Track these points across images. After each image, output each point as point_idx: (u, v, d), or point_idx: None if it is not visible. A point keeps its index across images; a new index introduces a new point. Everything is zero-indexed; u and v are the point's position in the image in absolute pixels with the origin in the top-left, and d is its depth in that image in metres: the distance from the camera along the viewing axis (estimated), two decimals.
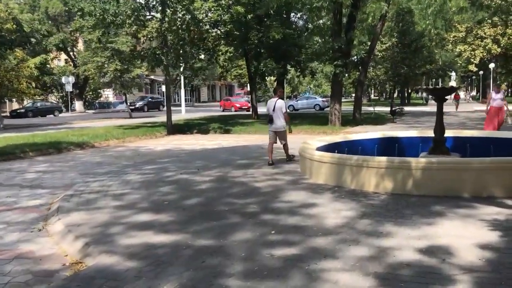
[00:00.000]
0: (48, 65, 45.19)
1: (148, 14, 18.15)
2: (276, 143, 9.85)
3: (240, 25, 24.25)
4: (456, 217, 5.16)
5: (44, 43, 27.02)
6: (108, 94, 53.87)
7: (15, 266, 4.32)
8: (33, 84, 25.92)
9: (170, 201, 6.31)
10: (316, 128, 18.49)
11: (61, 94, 48.74)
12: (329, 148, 9.21)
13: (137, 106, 42.63)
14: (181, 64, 24.16)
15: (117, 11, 16.87)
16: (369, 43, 24.29)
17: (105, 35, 18.03)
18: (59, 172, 9.57)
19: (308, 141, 9.17)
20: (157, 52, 18.16)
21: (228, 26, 24.06)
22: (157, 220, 5.38)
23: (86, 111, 45.63)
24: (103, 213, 5.75)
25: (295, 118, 25.23)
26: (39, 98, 47.50)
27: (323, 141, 9.61)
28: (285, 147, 9.90)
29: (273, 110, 9.59)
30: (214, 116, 29.08)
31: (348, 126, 19.37)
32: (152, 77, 58.46)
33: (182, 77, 36.40)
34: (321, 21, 25.65)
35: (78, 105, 45.14)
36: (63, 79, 40.73)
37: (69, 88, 40.86)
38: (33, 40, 20.61)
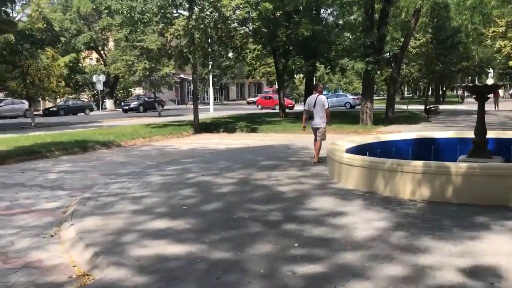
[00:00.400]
0: (80, 64, 46.10)
1: (175, 11, 17.96)
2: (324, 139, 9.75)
3: (268, 22, 23.83)
4: (503, 231, 4.60)
5: (73, 41, 27.36)
6: (139, 93, 54.47)
7: (21, 276, 4.05)
8: (63, 83, 26.26)
9: (189, 206, 5.96)
10: (346, 127, 17.88)
11: (93, 93, 49.56)
12: (360, 149, 8.69)
13: (131, 106, 39.92)
14: (209, 63, 24.00)
15: (143, 9, 16.74)
16: (401, 39, 23.46)
17: (132, 33, 17.89)
18: (81, 173, 9.41)
19: (337, 142, 8.67)
20: (184, 50, 17.95)
21: (256, 24, 23.70)
22: (173, 227, 5.04)
23: (117, 109, 46.18)
24: (118, 218, 5.46)
25: None
26: (71, 96, 48.64)
27: (353, 142, 9.08)
28: (318, 145, 9.55)
29: (314, 106, 9.44)
30: (242, 115, 28.75)
31: (380, 125, 18.67)
32: (182, 75, 58.76)
33: (210, 76, 36.28)
34: (351, 17, 24.98)
35: (108, 103, 45.73)
36: (94, 78, 41.28)
37: (99, 86, 41.37)
38: (63, 39, 20.76)
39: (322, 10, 27.37)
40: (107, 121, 27.25)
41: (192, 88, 53.93)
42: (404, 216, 5.20)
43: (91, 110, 40.73)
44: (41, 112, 37.75)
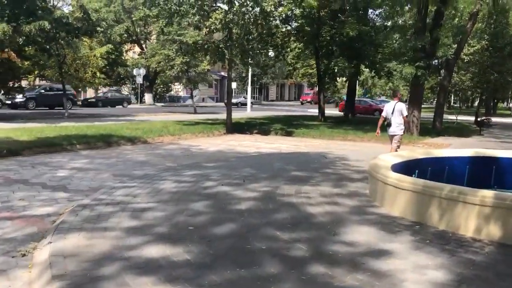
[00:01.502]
0: (122, 57, 46.31)
1: (214, 4, 17.03)
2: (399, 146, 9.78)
3: (312, 21, 22.61)
4: None
5: (109, 32, 27.18)
6: (179, 88, 54.33)
7: None
8: (98, 74, 25.97)
9: (196, 227, 4.92)
10: None
11: (134, 86, 49.73)
12: (407, 166, 7.42)
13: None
14: (250, 62, 23.03)
15: (181, 0, 15.93)
16: (453, 46, 21.69)
17: (168, 25, 17.13)
18: (94, 171, 8.58)
19: (380, 156, 7.42)
20: (220, 46, 17.02)
21: (299, 21, 22.53)
22: (169, 257, 4.00)
23: (155, 103, 46.07)
24: (107, 238, 4.48)
25: (366, 123, 23.17)
26: (113, 88, 49.02)
27: (400, 156, 7.80)
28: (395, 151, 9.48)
29: (392, 113, 9.45)
30: (279, 116, 27.64)
31: (427, 136, 17.09)
32: (222, 73, 58.26)
33: (249, 74, 35.35)
34: (401, 20, 23.38)
35: (147, 97, 45.66)
36: (134, 71, 41.27)
37: (139, 80, 41.32)
38: (99, 29, 20.37)
39: (370, 11, 25.90)
40: (141, 115, 26.76)
41: (233, 87, 53.58)
42: (469, 266, 3.95)
43: (129, 103, 40.72)
44: (80, 103, 38.01)
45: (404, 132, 9.79)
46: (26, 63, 29.54)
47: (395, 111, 9.45)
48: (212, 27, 15.56)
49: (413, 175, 7.12)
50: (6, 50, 16.11)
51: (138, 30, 43.05)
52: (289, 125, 19.91)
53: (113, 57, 43.72)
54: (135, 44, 45.12)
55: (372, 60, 23.72)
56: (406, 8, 20.07)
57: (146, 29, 41.28)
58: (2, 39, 15.70)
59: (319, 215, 5.52)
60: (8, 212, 5.64)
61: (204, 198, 6.27)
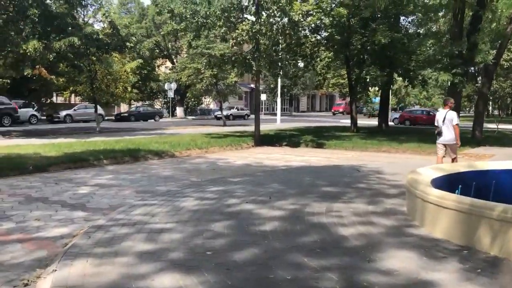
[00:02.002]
0: (154, 72, 46.99)
1: (240, 16, 16.78)
2: (445, 156, 9.67)
3: (342, 29, 22.06)
4: None
5: (137, 47, 27.56)
6: (210, 101, 54.58)
7: None
8: (129, 89, 26.18)
9: (215, 251, 4.48)
10: (426, 147, 15.61)
11: (165, 100, 50.31)
12: (449, 180, 6.79)
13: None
14: (278, 72, 22.67)
15: (208, 13, 15.75)
16: (491, 51, 20.55)
17: (196, 39, 16.99)
18: (117, 188, 8.31)
19: (418, 170, 6.80)
20: (248, 57, 16.72)
21: (329, 30, 22.04)
22: None
23: (187, 117, 46.36)
24: (116, 265, 4.09)
25: (400, 133, 22.31)
26: (146, 103, 49.74)
27: (440, 170, 7.15)
28: (454, 162, 9.40)
29: (443, 121, 9.36)
30: (309, 128, 27.06)
31: (467, 147, 16.11)
32: (252, 85, 58.20)
33: (279, 85, 34.98)
34: (434, 27, 22.54)
35: (179, 111, 46.01)
36: (166, 86, 41.68)
37: (171, 94, 41.69)
38: (129, 44, 20.51)
39: (402, 18, 25.11)
40: (171, 129, 26.77)
41: (262, 98, 53.37)
42: None
43: (161, 117, 41.09)
44: (113, 117, 38.63)
45: (456, 141, 9.50)
46: (61, 79, 30.35)
47: (446, 120, 9.34)
48: (238, 39, 15.27)
49: (456, 191, 6.49)
50: (38, 66, 16.24)
51: (169, 45, 43.61)
52: (320, 137, 19.34)
53: (145, 72, 44.48)
54: (167, 59, 45.67)
55: (405, 68, 22.92)
56: (441, 14, 19.26)
57: (177, 44, 41.69)
58: (33, 56, 15.88)
59: (352, 238, 4.98)
60: (20, 234, 5.37)
61: (226, 217, 5.84)
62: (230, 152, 15.44)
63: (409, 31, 23.68)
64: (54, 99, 45.35)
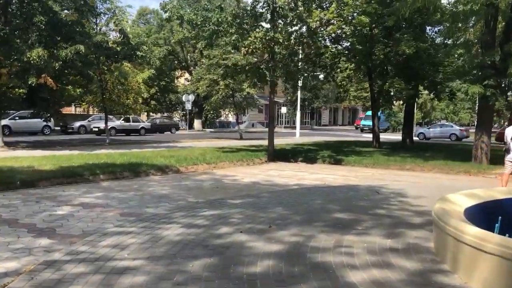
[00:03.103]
0: (173, 84, 46.62)
1: (255, 23, 15.84)
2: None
3: (364, 39, 20.91)
4: None
5: (148, 56, 27.10)
6: (228, 114, 53.87)
7: None
8: (140, 100, 25.56)
9: None
10: (454, 166, 14.27)
11: (184, 112, 49.85)
12: (486, 210, 5.61)
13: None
14: (296, 84, 21.66)
15: (219, 20, 14.89)
16: None
17: (208, 47, 16.16)
18: (101, 209, 7.36)
19: (449, 196, 5.63)
20: (261, 67, 15.76)
21: (350, 39, 20.94)
22: None
23: (204, 129, 45.67)
24: None
25: (426, 149, 20.91)
26: (164, 115, 49.33)
27: (474, 196, 5.94)
28: (507, 177, 9.10)
29: (511, 139, 8.99)
30: (330, 142, 25.85)
31: (499, 165, 14.63)
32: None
33: (299, 98, 33.94)
34: (463, 38, 21.20)
35: (196, 123, 45.36)
36: (184, 97, 41.10)
37: (188, 106, 41.07)
38: (139, 53, 19.88)
39: (428, 28, 23.82)
40: (185, 141, 25.96)
41: (282, 111, 52.40)
42: None
43: (177, 129, 40.50)
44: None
45: None
46: (78, 90, 30.03)
47: None
48: (251, 47, 14.32)
49: (496, 225, 5.30)
50: (44, 75, 15.64)
51: (188, 56, 43.19)
52: (339, 152, 18.11)
53: (164, 83, 44.10)
54: (185, 71, 45.24)
55: (431, 80, 21.57)
56: (471, 22, 17.92)
57: (196, 55, 41.21)
58: (38, 64, 15.28)
59: (362, 287, 3.85)
60: None
61: (211, 253, 4.78)
62: (241, 168, 14.41)
63: (436, 42, 22.37)
64: (72, 109, 45.54)
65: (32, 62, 14.96)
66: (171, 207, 7.42)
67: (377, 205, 7.73)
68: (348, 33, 20.93)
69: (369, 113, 52.83)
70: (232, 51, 19.78)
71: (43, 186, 9.71)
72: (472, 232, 4.01)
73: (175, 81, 47.73)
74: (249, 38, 14.27)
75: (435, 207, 5.07)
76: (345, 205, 7.66)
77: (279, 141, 25.19)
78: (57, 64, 16.02)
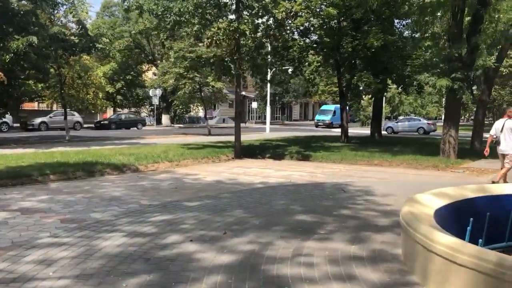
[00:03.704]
0: (140, 78, 45.34)
1: (218, 13, 15.17)
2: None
3: (332, 31, 20.55)
4: None
5: (107, 48, 26.06)
6: (198, 109, 52.90)
7: None
8: (101, 95, 24.46)
9: None
10: (422, 160, 14.05)
11: (152, 107, 48.66)
12: (457, 210, 5.22)
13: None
14: (264, 78, 21.09)
15: (181, 10, 14.15)
16: (490, 56, 19.07)
17: (169, 38, 15.39)
18: (41, 214, 6.63)
19: (417, 197, 5.20)
20: (226, 59, 15.12)
21: (317, 32, 20.54)
22: None
23: (173, 125, 44.65)
24: None
25: (394, 143, 20.76)
26: (132, 110, 48.02)
27: (444, 196, 5.52)
28: (505, 171, 9.20)
29: (501, 131, 9.31)
30: (298, 137, 25.49)
31: (467, 159, 14.58)
32: (243, 92, 56.70)
33: (268, 92, 33.45)
34: (430, 31, 21.09)
35: (164, 118, 44.31)
36: (150, 92, 40.03)
37: (155, 101, 40.01)
38: (99, 45, 18.86)
39: (397, 21, 23.67)
40: (150, 138, 25.07)
41: (253, 106, 51.84)
42: None
43: (144, 125, 39.39)
44: (92, 125, 36.82)
45: None
46: (40, 85, 28.62)
47: (504, 129, 9.28)
48: (214, 38, 13.66)
49: (468, 228, 4.90)
50: None
51: (156, 49, 42.01)
52: (307, 148, 17.71)
53: (130, 78, 42.80)
54: (152, 65, 44.07)
55: (399, 73, 21.43)
56: (439, 14, 17.75)
57: (164, 50, 40.14)
58: None
59: None
60: None
61: (151, 268, 4.19)
62: (205, 165, 13.78)
63: (404, 35, 22.23)
64: (35, 105, 43.64)
65: None
66: (119, 212, 6.76)
67: (342, 204, 7.28)
68: (316, 25, 20.54)
69: (325, 107, 52.91)
70: (200, 44, 19.07)
71: None
72: (443, 241, 3.55)
73: (143, 75, 46.43)
74: (212, 29, 13.60)
75: (403, 210, 4.61)
76: (308, 205, 7.17)
77: (248, 137, 24.66)
78: (7, 56, 14.93)
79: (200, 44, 20.29)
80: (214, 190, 8.88)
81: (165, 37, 15.55)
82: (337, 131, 30.01)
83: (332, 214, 6.55)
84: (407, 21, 22.49)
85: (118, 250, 4.72)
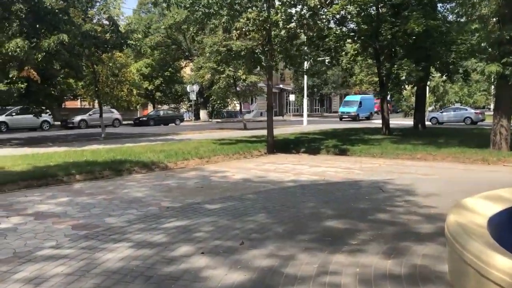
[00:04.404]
0: (178, 74, 45.48)
1: (248, 4, 14.53)
2: None
3: (370, 18, 19.49)
4: None
5: (138, 44, 25.92)
6: (235, 104, 52.61)
7: None
8: (135, 91, 24.44)
9: None
10: (470, 153, 12.92)
11: (190, 103, 48.79)
12: None
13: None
14: (298, 69, 20.30)
15: (210, 1, 13.63)
16: None
17: (200, 32, 14.93)
18: (53, 219, 6.28)
19: (465, 201, 4.40)
20: (256, 51, 14.49)
21: (354, 19, 19.52)
22: None
23: (211, 120, 44.55)
24: None
25: (439, 135, 19.52)
26: (171, 106, 48.26)
27: (498, 199, 4.68)
28: None
29: None
30: (337, 130, 24.58)
31: None
32: (281, 85, 55.96)
33: (305, 84, 32.57)
34: (477, 13, 19.56)
35: (202, 114, 44.28)
36: (188, 88, 40.01)
37: (193, 96, 39.98)
38: (130, 42, 18.71)
39: (439, 5, 22.22)
40: (185, 133, 24.88)
41: (290, 99, 50.95)
42: None
43: (182, 120, 39.48)
44: (132, 122, 37.18)
45: None
46: (79, 83, 29.08)
47: None
48: (243, 29, 13.05)
49: None
50: (26, 68, 14.60)
51: (192, 46, 41.92)
52: (345, 141, 16.84)
53: (168, 74, 42.96)
54: (189, 61, 44.07)
55: (443, 61, 20.08)
56: None
57: (196, 44, 40.00)
58: (19, 56, 14.24)
59: None
60: None
61: (152, 287, 3.65)
62: (236, 162, 13.25)
63: (448, 19, 20.80)
64: (78, 103, 44.68)
65: (10, 53, 13.90)
66: (135, 217, 6.30)
67: (379, 207, 6.52)
68: (353, 12, 19.51)
69: (349, 97, 50.62)
70: (231, 36, 18.54)
71: (8, 190, 8.70)
72: (503, 265, 2.79)
73: (181, 71, 46.55)
74: (241, 20, 12.99)
75: (449, 220, 3.85)
76: (340, 208, 6.46)
77: (284, 131, 24.02)
78: (39, 55, 14.95)
79: (234, 38, 19.78)
80: (239, 190, 8.31)
81: (194, 31, 15.00)
82: (377, 123, 28.82)
83: (367, 219, 5.82)
84: (451, 4, 21.06)
85: (119, 265, 4.22)
